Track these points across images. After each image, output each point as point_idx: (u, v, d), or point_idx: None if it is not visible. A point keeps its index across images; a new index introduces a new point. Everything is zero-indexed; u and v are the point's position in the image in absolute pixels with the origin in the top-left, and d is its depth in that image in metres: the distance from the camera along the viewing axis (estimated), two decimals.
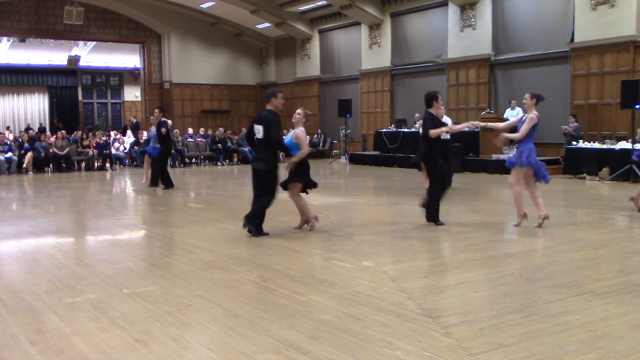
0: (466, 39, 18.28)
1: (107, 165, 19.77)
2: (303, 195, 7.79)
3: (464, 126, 8.72)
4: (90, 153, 19.65)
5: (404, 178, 14.88)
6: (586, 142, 14.45)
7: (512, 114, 15.78)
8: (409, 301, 4.59)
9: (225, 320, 4.23)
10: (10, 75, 30.67)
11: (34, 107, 32.06)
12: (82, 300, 4.77)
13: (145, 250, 7.13)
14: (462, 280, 5.24)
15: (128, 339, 3.87)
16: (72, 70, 31.18)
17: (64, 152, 19.19)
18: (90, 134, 21.14)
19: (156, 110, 13.29)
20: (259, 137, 7.29)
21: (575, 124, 14.98)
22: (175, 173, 16.76)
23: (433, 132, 7.72)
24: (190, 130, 22.91)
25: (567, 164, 14.37)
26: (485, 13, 17.77)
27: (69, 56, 29.20)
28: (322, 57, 24.65)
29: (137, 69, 29.33)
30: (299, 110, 7.70)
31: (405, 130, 18.83)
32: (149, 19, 25.21)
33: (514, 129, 7.93)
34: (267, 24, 24.90)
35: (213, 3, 23.78)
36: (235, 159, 21.96)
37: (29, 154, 18.46)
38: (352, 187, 14.44)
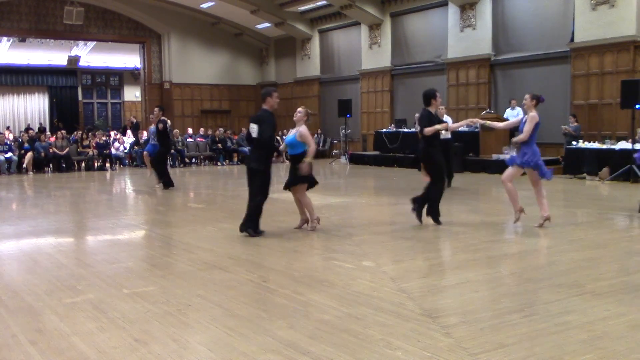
0: (466, 39, 18.28)
1: (107, 165, 19.78)
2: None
3: (462, 123, 8.71)
4: (90, 153, 19.65)
5: (403, 178, 14.88)
6: (586, 142, 14.46)
7: (512, 114, 15.79)
8: (409, 301, 4.59)
9: (225, 320, 4.23)
10: (10, 75, 30.66)
11: (34, 107, 32.06)
12: (82, 300, 4.77)
13: (145, 250, 7.13)
14: (462, 280, 5.24)
15: (128, 339, 3.87)
16: (72, 70, 31.17)
17: (64, 152, 19.19)
18: (90, 134, 21.14)
19: (156, 109, 13.31)
20: (254, 136, 7.33)
21: (575, 124, 14.98)
22: (175, 173, 16.76)
23: (427, 130, 7.73)
24: (190, 130, 22.92)
25: (567, 164, 14.37)
26: (485, 13, 17.77)
27: (69, 56, 29.20)
28: (322, 57, 24.65)
29: (137, 69, 29.32)
30: (299, 109, 7.69)
31: (405, 130, 18.83)
32: (149, 19, 25.21)
33: (514, 130, 7.94)
34: (267, 24, 24.90)
35: (213, 3, 23.78)
36: (235, 159, 21.97)
37: (29, 154, 18.46)
38: (352, 187, 14.44)
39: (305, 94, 25.31)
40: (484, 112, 16.48)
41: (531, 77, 16.77)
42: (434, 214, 7.98)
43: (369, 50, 22.06)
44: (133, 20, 25.29)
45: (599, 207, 9.73)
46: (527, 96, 7.63)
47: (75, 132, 22.07)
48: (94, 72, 33.32)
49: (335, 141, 23.78)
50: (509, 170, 7.68)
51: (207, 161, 22.02)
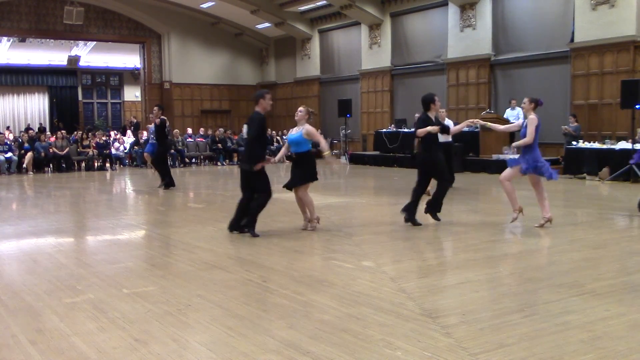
0: (466, 39, 18.28)
1: (107, 165, 19.77)
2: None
3: (463, 125, 8.68)
4: (90, 153, 19.64)
5: (403, 178, 14.87)
6: (586, 142, 14.46)
7: (512, 114, 15.79)
8: (409, 301, 4.59)
9: (225, 320, 4.23)
10: (10, 75, 30.67)
11: (34, 107, 32.07)
12: (82, 300, 4.77)
13: (145, 250, 7.13)
14: (462, 280, 5.24)
15: (128, 339, 3.87)
16: (72, 70, 31.17)
17: (64, 152, 19.18)
18: (90, 134, 21.13)
19: (155, 108, 13.30)
20: (244, 137, 7.40)
21: (575, 124, 14.98)
22: (175, 173, 16.74)
23: (419, 132, 7.76)
24: (190, 130, 22.91)
25: (567, 164, 14.37)
26: (485, 13, 17.78)
27: (69, 56, 29.19)
28: (322, 57, 24.66)
29: (137, 69, 29.32)
30: (300, 108, 7.71)
31: (406, 130, 18.82)
32: (149, 19, 25.21)
33: (514, 133, 7.96)
34: (267, 24, 24.90)
35: (213, 3, 23.78)
36: (235, 159, 21.96)
37: (29, 154, 18.45)
38: (352, 187, 14.44)
39: (305, 94, 25.31)
40: (484, 112, 16.47)
41: (531, 77, 16.77)
42: (434, 210, 7.99)
43: (369, 50, 22.06)
44: (133, 20, 25.29)
45: (599, 207, 9.73)
46: (525, 100, 7.68)
47: (75, 132, 22.07)
48: (94, 72, 33.32)
49: (335, 141, 23.76)
50: (508, 170, 7.69)
51: (207, 161, 22.02)
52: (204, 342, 3.82)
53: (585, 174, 13.82)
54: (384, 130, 20.07)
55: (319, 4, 22.62)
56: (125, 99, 34.41)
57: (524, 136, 7.49)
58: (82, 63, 30.58)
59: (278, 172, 13.70)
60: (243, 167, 7.51)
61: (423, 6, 19.91)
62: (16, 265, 6.22)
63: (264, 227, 7.67)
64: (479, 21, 17.91)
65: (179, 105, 26.08)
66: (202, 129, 22.72)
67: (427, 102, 7.95)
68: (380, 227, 8.22)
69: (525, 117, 7.72)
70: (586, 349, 3.58)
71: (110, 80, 34.23)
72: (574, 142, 14.55)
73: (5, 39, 26.42)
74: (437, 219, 8.00)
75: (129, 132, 24.15)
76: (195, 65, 26.10)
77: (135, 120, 27.70)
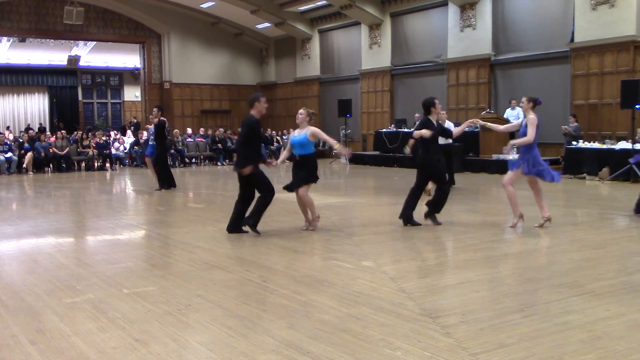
0: (466, 39, 18.28)
1: (107, 165, 19.78)
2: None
3: (464, 127, 8.66)
4: (90, 153, 19.65)
5: (403, 178, 14.87)
6: (586, 142, 14.46)
7: (512, 114, 15.79)
8: (409, 301, 4.59)
9: (225, 320, 4.23)
10: (10, 75, 30.67)
11: (34, 107, 32.06)
12: (82, 300, 4.77)
13: (145, 250, 7.13)
14: (462, 280, 5.24)
15: (128, 339, 3.87)
16: (72, 70, 31.17)
17: (64, 152, 19.19)
18: (90, 134, 21.14)
19: (155, 109, 13.28)
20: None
21: (575, 124, 14.98)
22: (175, 173, 16.73)
23: (415, 133, 7.83)
24: (189, 131, 22.91)
25: (567, 164, 14.37)
26: (485, 13, 17.78)
27: (69, 56, 29.20)
28: (322, 57, 24.65)
29: (137, 69, 29.32)
30: (301, 111, 7.72)
31: (406, 130, 18.82)
32: (149, 19, 25.21)
33: (513, 133, 7.96)
34: (267, 24, 24.90)
35: (213, 3, 23.78)
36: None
37: (29, 154, 18.46)
38: (352, 187, 14.44)
39: (305, 94, 25.31)
40: (484, 112, 16.47)
41: (531, 77, 16.76)
42: (433, 215, 7.99)
43: (369, 50, 22.06)
44: (133, 20, 25.29)
45: (599, 207, 9.73)
46: (523, 99, 7.68)
47: (75, 132, 22.06)
48: (94, 72, 33.31)
49: None
50: (510, 174, 7.68)
51: (207, 161, 22.02)
52: (204, 342, 3.82)
53: (585, 174, 13.82)
54: (384, 130, 20.08)
55: (319, 4, 22.61)
56: (125, 99, 34.41)
57: (524, 135, 7.49)
58: (82, 63, 30.59)
59: (278, 172, 13.69)
60: (234, 170, 7.58)
61: (423, 6, 19.91)
62: (16, 265, 6.22)
63: (264, 227, 7.66)
64: (479, 21, 17.91)
65: (179, 105, 26.08)
66: (202, 129, 22.73)
67: (428, 106, 7.97)
68: (380, 227, 8.23)
69: (524, 117, 7.72)
70: (586, 349, 3.59)
71: (110, 80, 34.23)
72: (574, 142, 14.55)
73: (5, 39, 26.42)
74: (438, 223, 7.98)
75: (129, 132, 24.15)
76: (195, 65, 26.10)
77: (135, 121, 27.69)
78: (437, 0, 19.29)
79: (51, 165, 19.30)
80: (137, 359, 3.56)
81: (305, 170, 7.58)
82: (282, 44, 26.77)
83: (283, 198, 9.43)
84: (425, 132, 7.67)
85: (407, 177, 14.75)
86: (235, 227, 7.56)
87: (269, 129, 24.27)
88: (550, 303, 4.50)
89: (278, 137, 23.54)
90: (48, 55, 29.54)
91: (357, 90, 22.85)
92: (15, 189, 14.41)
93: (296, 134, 7.69)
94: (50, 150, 19.01)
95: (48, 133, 22.51)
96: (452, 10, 18.63)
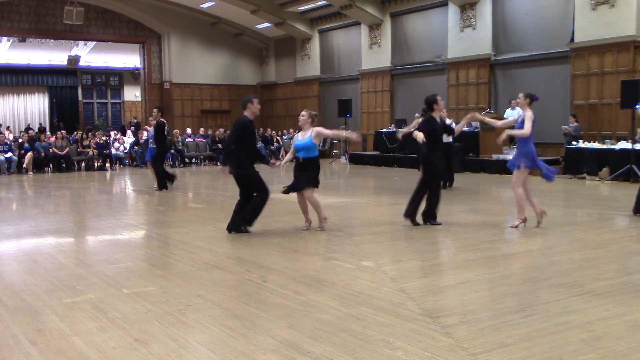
0: (466, 39, 18.27)
1: (107, 165, 19.78)
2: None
3: (464, 123, 8.63)
4: (90, 153, 19.65)
5: (403, 178, 14.87)
6: (586, 142, 14.46)
7: (512, 114, 15.76)
8: (409, 301, 4.59)
9: (225, 320, 4.23)
10: (10, 75, 30.65)
11: (34, 107, 32.06)
12: (82, 300, 4.77)
13: (145, 250, 7.13)
14: (462, 280, 5.24)
15: (128, 339, 3.87)
16: (72, 70, 31.16)
17: (64, 152, 19.19)
18: (90, 134, 21.14)
19: (154, 110, 13.28)
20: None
21: (575, 124, 14.98)
22: (175, 173, 16.75)
23: (414, 134, 7.80)
24: (189, 130, 22.91)
25: (567, 164, 14.37)
26: (485, 13, 17.77)
27: (69, 56, 29.19)
28: (322, 57, 24.65)
29: (137, 69, 29.32)
30: (303, 113, 7.72)
31: (406, 130, 18.80)
32: (149, 19, 25.21)
33: (510, 128, 7.97)
34: (267, 24, 24.89)
35: (213, 3, 23.78)
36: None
37: (29, 154, 18.46)
38: (352, 187, 14.44)
39: (305, 94, 25.31)
40: (484, 112, 16.47)
41: (531, 77, 16.76)
42: (432, 219, 7.98)
43: (369, 50, 22.05)
44: (133, 20, 25.28)
45: (599, 207, 9.73)
46: (520, 95, 7.71)
47: (75, 132, 22.06)
48: (94, 72, 33.31)
49: (335, 141, 23.77)
50: (516, 175, 7.66)
51: (207, 161, 22.03)
52: (204, 342, 3.82)
53: (585, 174, 13.82)
54: (384, 130, 20.07)
55: (319, 4, 22.61)
56: (125, 99, 34.40)
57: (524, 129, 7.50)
58: (82, 63, 30.58)
59: (278, 172, 13.69)
60: (231, 173, 7.54)
61: (423, 6, 19.91)
62: (16, 265, 6.22)
63: (264, 227, 7.67)
64: (479, 21, 17.91)
65: (179, 105, 26.08)
66: (202, 129, 22.73)
67: (430, 103, 7.97)
68: (380, 227, 8.23)
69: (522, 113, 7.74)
70: (586, 349, 3.58)
71: (110, 80, 34.22)
72: (574, 142, 14.55)
73: (5, 39, 26.42)
74: (438, 223, 7.97)
75: (129, 132, 24.14)
76: (195, 65, 26.10)
77: (135, 121, 27.67)
78: (437, 0, 19.29)
79: (51, 165, 19.30)
80: (137, 359, 3.56)
81: (308, 172, 7.56)
82: (282, 44, 26.77)
83: (283, 198, 9.41)
84: (417, 137, 7.65)
85: (407, 177, 14.76)
86: (235, 227, 7.56)
87: (269, 129, 24.29)
88: (550, 303, 4.50)
89: (278, 137, 23.54)
90: (48, 55, 29.53)
91: (357, 90, 22.85)
92: (15, 189, 14.41)
93: (300, 138, 7.64)
94: (50, 150, 19.02)
95: (48, 133, 22.49)
96: (452, 10, 18.63)
